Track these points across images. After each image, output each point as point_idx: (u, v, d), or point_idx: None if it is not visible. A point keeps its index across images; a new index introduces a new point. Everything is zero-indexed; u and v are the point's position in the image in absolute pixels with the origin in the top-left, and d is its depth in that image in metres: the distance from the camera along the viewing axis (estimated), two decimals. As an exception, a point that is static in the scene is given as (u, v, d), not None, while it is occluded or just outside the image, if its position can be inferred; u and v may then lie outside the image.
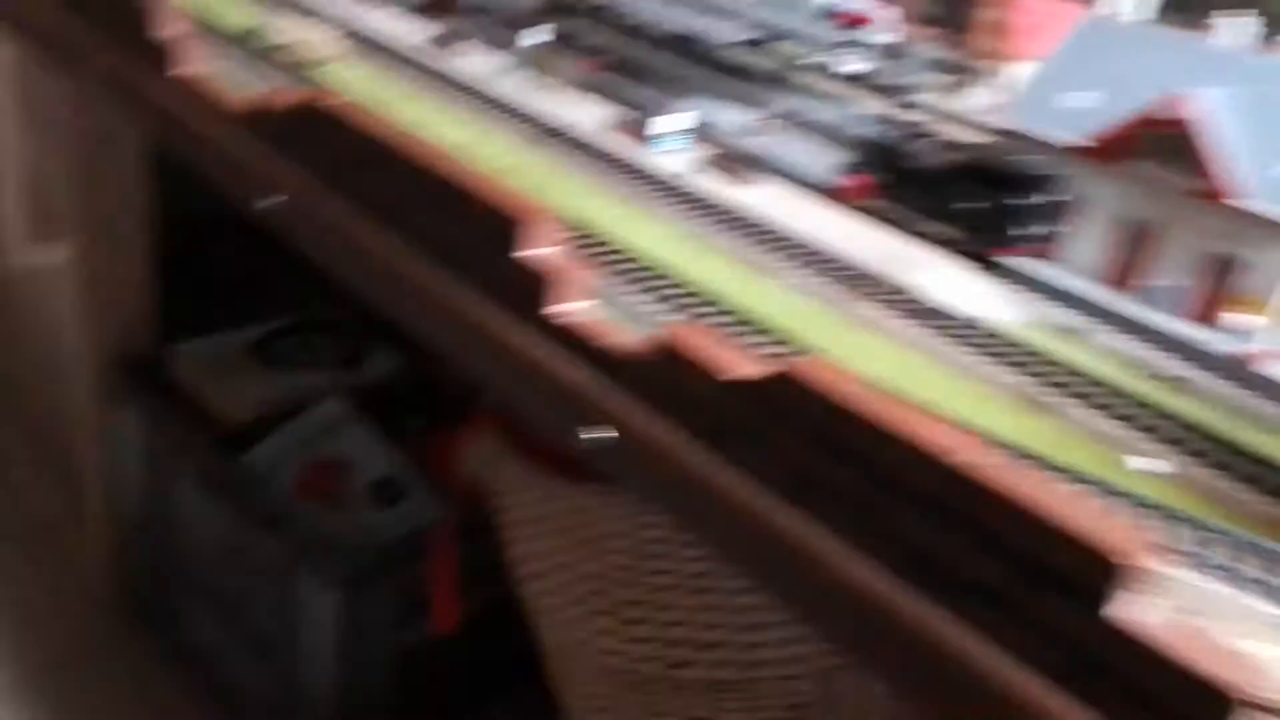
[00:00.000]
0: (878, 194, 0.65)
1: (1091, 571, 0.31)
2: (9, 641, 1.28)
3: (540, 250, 0.44)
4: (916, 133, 0.70)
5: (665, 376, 0.40)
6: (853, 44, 0.87)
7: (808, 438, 0.37)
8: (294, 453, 1.15)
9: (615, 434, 0.42)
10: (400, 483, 1.16)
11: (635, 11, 0.82)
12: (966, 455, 0.33)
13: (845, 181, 0.65)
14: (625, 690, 0.90)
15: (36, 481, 1.50)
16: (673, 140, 0.65)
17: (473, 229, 0.45)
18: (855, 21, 1.08)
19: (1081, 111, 0.65)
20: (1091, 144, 0.62)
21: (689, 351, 0.39)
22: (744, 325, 0.50)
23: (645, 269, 0.53)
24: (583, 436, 0.42)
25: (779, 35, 0.77)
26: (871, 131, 0.69)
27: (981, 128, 0.88)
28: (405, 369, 1.32)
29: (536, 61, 0.71)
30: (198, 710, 1.25)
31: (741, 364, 0.39)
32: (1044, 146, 0.64)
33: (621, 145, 0.65)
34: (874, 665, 0.36)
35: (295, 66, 0.69)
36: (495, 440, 0.92)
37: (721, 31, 0.75)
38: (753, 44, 0.76)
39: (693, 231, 0.59)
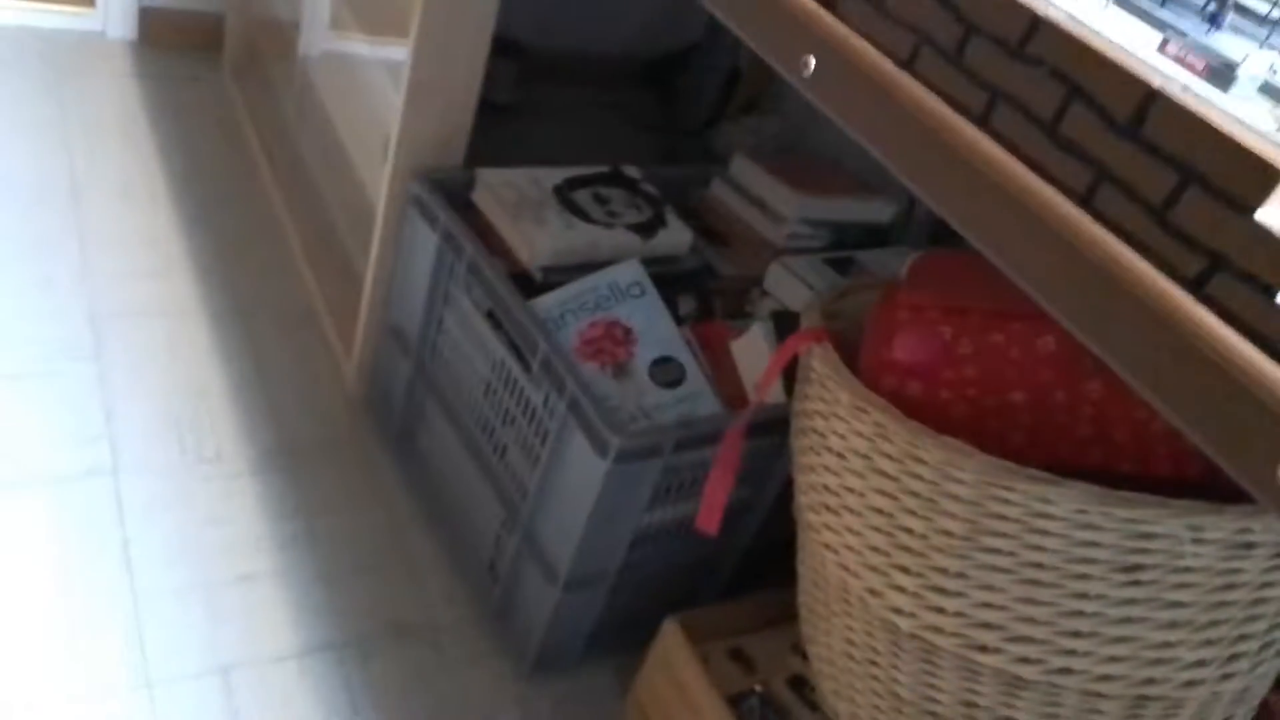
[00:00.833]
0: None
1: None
2: (258, 417, 1.32)
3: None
4: None
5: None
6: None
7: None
8: (583, 308, 1.11)
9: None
10: (681, 365, 1.11)
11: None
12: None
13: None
14: (903, 654, 0.84)
15: (309, 270, 1.53)
16: (1251, 86, 0.52)
17: (1178, 163, 0.35)
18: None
19: None
20: None
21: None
22: None
23: None
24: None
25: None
26: None
27: None
28: (689, 249, 1.26)
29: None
30: (425, 523, 1.27)
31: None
32: None
33: (1183, 75, 0.53)
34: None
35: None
36: (828, 359, 0.84)
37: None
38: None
39: None
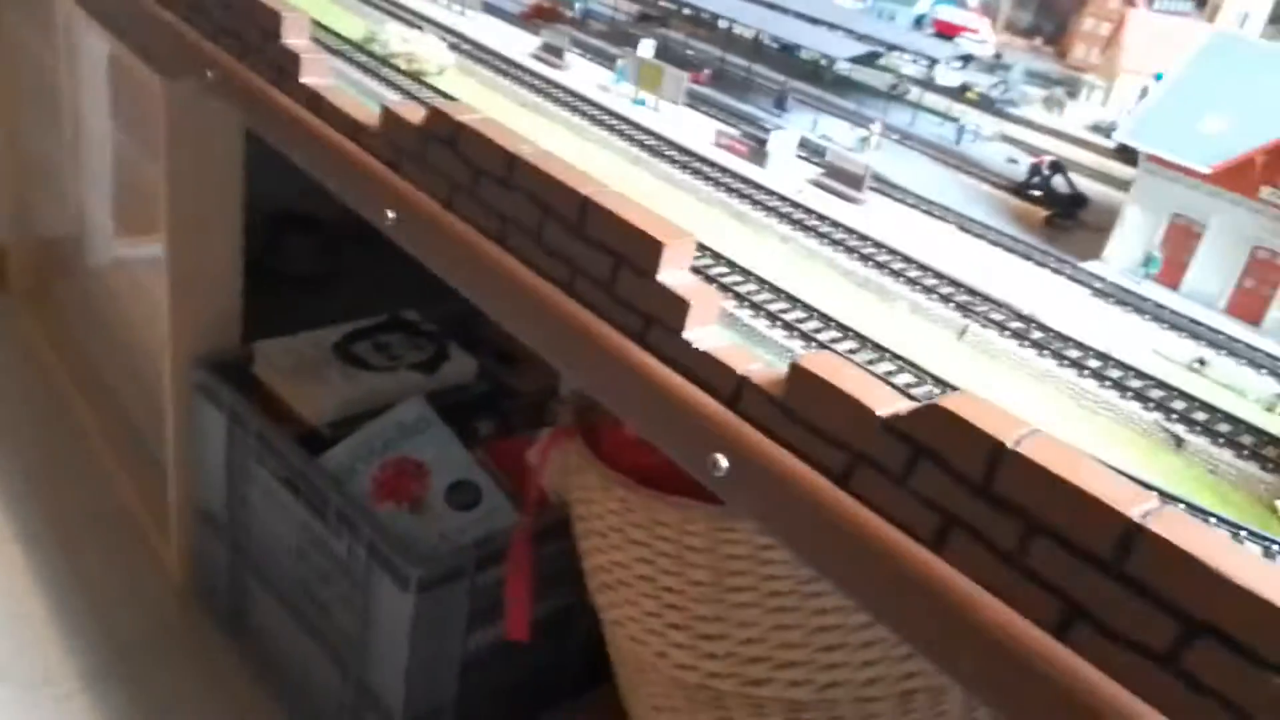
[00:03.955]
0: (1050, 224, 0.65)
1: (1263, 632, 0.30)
2: (86, 630, 1.31)
3: (676, 273, 0.43)
4: (1055, 163, 0.68)
5: (801, 409, 0.39)
6: (954, 57, 0.85)
7: (958, 479, 0.36)
8: (372, 453, 1.16)
9: (734, 462, 0.41)
10: (477, 486, 1.17)
11: (736, 21, 0.81)
12: (1142, 509, 0.32)
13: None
14: (699, 705, 0.89)
15: (119, 470, 1.54)
16: (783, 156, 0.64)
17: (609, 250, 0.44)
18: (952, 30, 1.06)
19: (1209, 135, 0.63)
20: (1219, 169, 0.60)
21: (829, 384, 0.38)
22: (869, 351, 0.48)
23: (763, 290, 0.52)
24: (713, 463, 0.41)
25: (883, 46, 0.75)
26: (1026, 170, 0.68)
27: (1099, 149, 0.86)
28: (479, 374, 1.33)
29: (642, 75, 0.70)
30: (267, 701, 1.26)
31: (886, 398, 0.37)
32: (1170, 169, 0.62)
33: (731, 161, 0.64)
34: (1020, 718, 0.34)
35: (408, 76, 0.70)
36: (576, 449, 0.92)
37: (828, 44, 0.74)
38: (864, 59, 0.74)
39: (808, 250, 0.58)
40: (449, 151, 0.51)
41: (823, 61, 0.81)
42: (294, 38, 0.62)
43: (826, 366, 0.38)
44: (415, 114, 0.54)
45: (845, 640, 0.82)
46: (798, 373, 0.39)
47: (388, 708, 1.08)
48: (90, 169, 1.51)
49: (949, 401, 0.35)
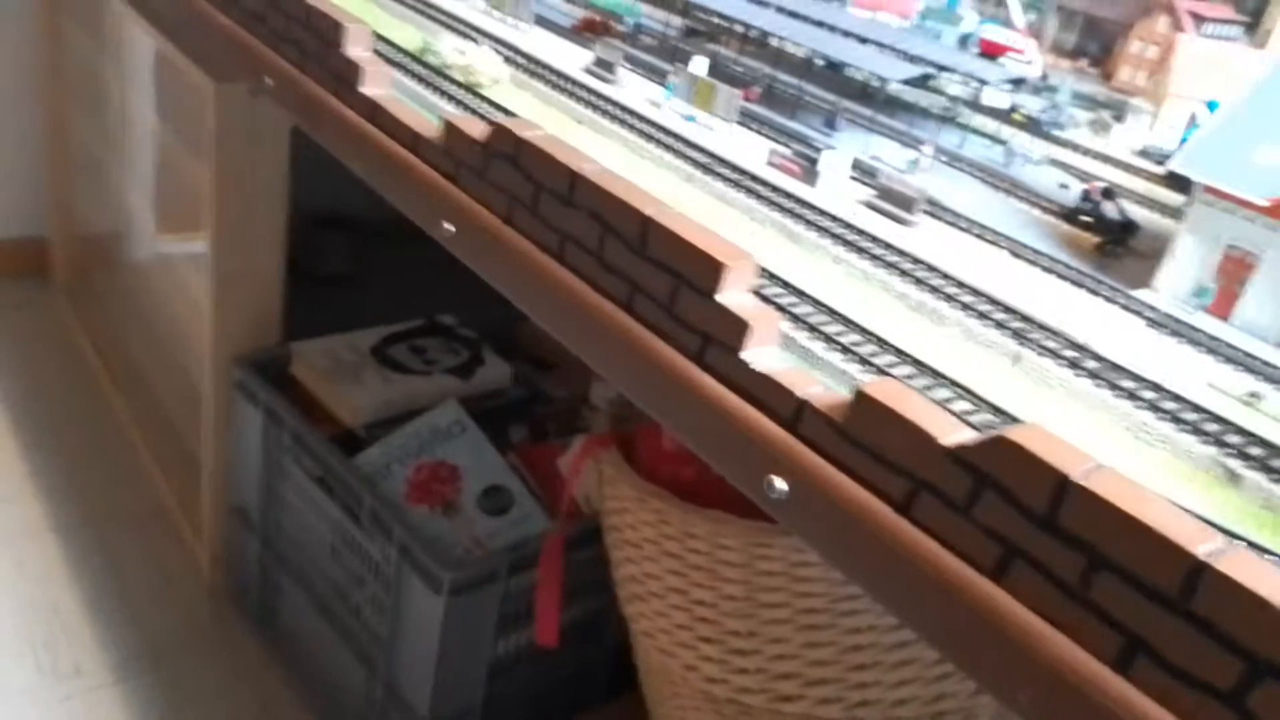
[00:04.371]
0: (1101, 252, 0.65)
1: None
2: (119, 622, 1.32)
3: (737, 294, 0.43)
4: (1107, 189, 0.68)
5: (864, 435, 0.39)
6: (1003, 79, 0.85)
7: (1022, 511, 0.36)
8: (407, 455, 1.17)
9: (792, 485, 0.41)
10: (509, 492, 1.17)
11: (786, 39, 0.82)
12: (1208, 548, 0.32)
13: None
14: (726, 719, 0.90)
15: (155, 465, 1.56)
16: (835, 177, 0.64)
17: (669, 269, 0.45)
18: (997, 50, 1.06)
19: (1266, 167, 0.62)
20: (1277, 202, 0.60)
21: (894, 411, 0.38)
22: (925, 377, 0.48)
23: (819, 312, 0.52)
24: (769, 484, 0.41)
25: (933, 67, 0.75)
26: (1077, 198, 0.68)
27: (1147, 174, 0.86)
28: (514, 380, 1.34)
29: (695, 92, 0.71)
30: (296, 699, 1.28)
31: (951, 427, 0.38)
32: (1225, 199, 0.62)
33: (783, 180, 0.64)
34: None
35: (463, 88, 0.71)
36: (611, 459, 0.92)
37: (878, 64, 0.74)
38: (915, 81, 0.75)
39: (861, 272, 0.58)
40: (511, 167, 0.52)
41: (874, 82, 0.81)
42: (356, 48, 0.63)
43: (891, 393, 0.38)
44: (477, 128, 0.54)
45: (877, 660, 0.82)
46: (862, 398, 0.39)
47: (415, 710, 1.08)
48: (134, 166, 1.54)
49: (1015, 433, 0.36)
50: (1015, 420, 0.45)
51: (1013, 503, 0.35)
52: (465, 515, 1.15)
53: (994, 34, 1.08)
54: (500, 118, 0.57)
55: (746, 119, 0.74)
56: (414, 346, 1.33)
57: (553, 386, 1.41)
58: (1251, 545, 0.43)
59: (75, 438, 1.63)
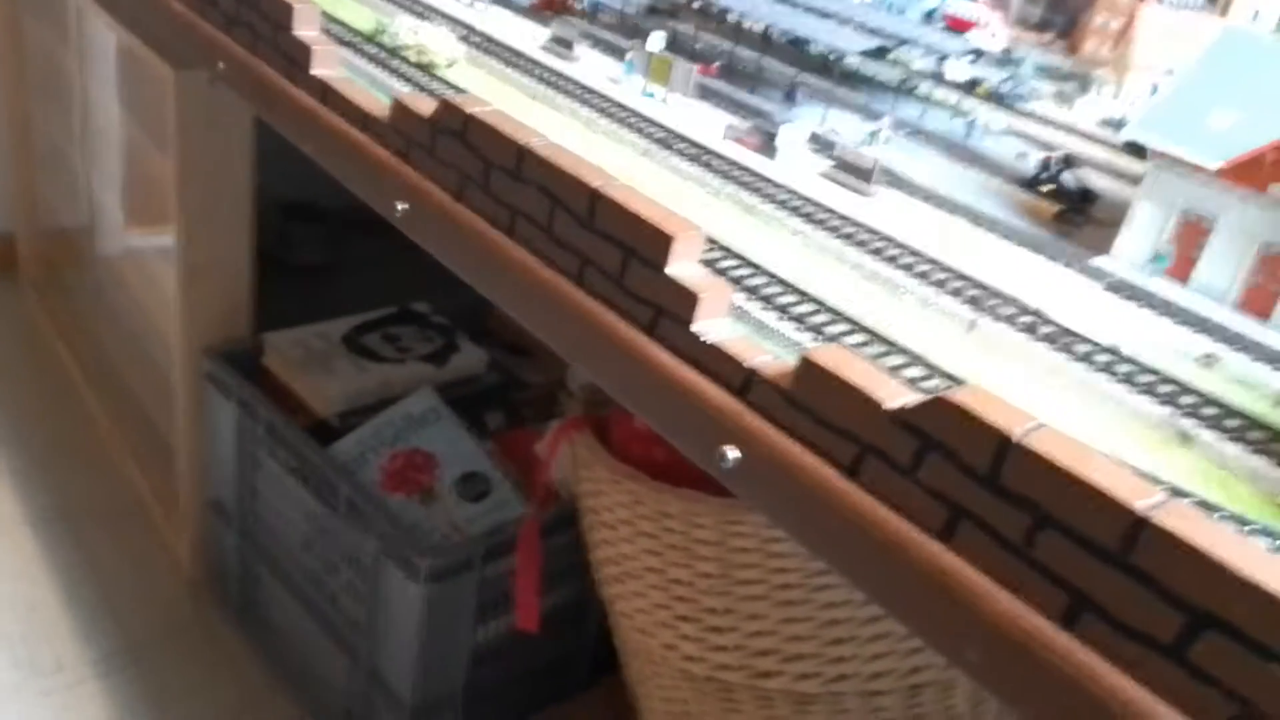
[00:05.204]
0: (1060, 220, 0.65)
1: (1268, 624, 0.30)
2: (98, 618, 1.32)
3: (686, 266, 0.43)
4: (1065, 158, 0.68)
5: (810, 401, 0.39)
6: (964, 51, 0.85)
7: (966, 472, 0.36)
8: (382, 444, 1.17)
9: (743, 454, 0.41)
10: (485, 478, 1.17)
11: (746, 14, 0.81)
12: (1148, 503, 0.32)
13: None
14: (707, 697, 0.90)
15: (129, 459, 1.55)
16: (792, 150, 0.64)
17: (618, 242, 0.45)
18: (963, 25, 1.06)
19: (1219, 131, 0.63)
20: (1229, 166, 0.60)
21: (838, 377, 0.38)
22: (878, 345, 0.48)
23: (773, 283, 0.52)
24: (721, 454, 0.41)
25: (893, 40, 0.75)
26: (1036, 165, 0.68)
27: (1109, 144, 0.86)
28: (489, 366, 1.33)
29: (651, 67, 0.71)
30: (278, 689, 1.27)
31: (895, 391, 0.38)
32: (1179, 165, 0.62)
33: (740, 154, 0.64)
34: (1026, 709, 0.35)
35: (418, 68, 0.70)
36: (585, 442, 0.92)
37: (837, 37, 0.74)
38: (874, 53, 0.74)
39: (817, 244, 0.58)
40: (459, 143, 0.52)
41: (832, 56, 0.81)
42: (305, 29, 0.62)
43: (835, 359, 0.38)
44: (425, 106, 0.54)
45: (853, 634, 0.83)
46: (807, 365, 0.39)
47: (397, 696, 1.08)
48: (100, 159, 1.52)
49: (956, 395, 0.36)
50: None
51: (956, 463, 0.36)
52: (442, 502, 1.15)
53: (959, 8, 1.08)
54: (449, 94, 0.56)
55: (706, 94, 0.73)
56: (387, 334, 1.32)
57: (528, 372, 1.41)
58: (1202, 504, 0.43)
59: (48, 432, 1.61)
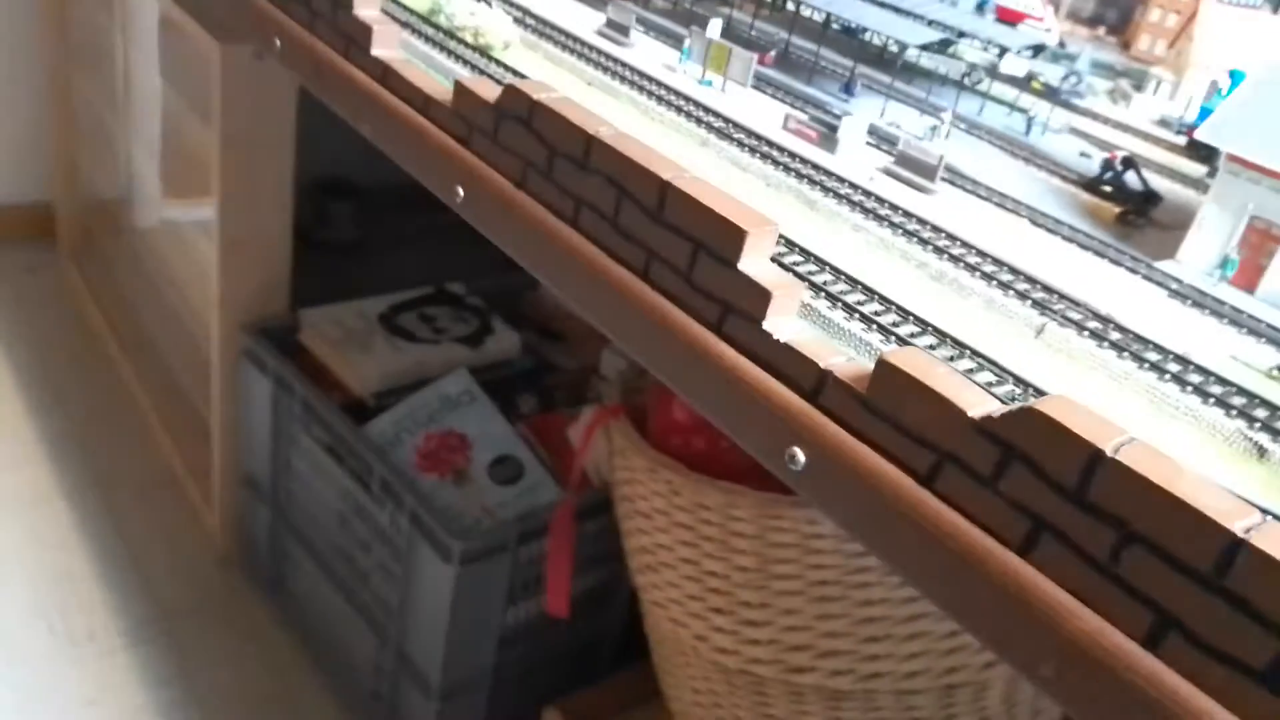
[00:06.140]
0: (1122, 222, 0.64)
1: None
2: (129, 589, 1.33)
3: (758, 262, 0.42)
4: (1128, 159, 0.66)
5: (887, 406, 0.39)
6: (1024, 46, 0.83)
7: (1050, 484, 0.35)
8: (416, 424, 1.17)
9: (813, 457, 0.40)
10: (518, 461, 1.17)
11: (804, 3, 0.80)
12: (1245, 524, 0.31)
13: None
14: (738, 690, 0.90)
15: (164, 432, 1.56)
16: (853, 143, 0.63)
17: (688, 236, 0.44)
18: (1014, 17, 1.04)
19: (1296, 137, 0.61)
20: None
21: (920, 382, 0.37)
22: (948, 347, 0.47)
23: (839, 280, 0.51)
24: (790, 456, 0.41)
25: (953, 32, 0.74)
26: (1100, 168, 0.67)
27: (1167, 144, 0.84)
28: (523, 349, 1.33)
29: (709, 55, 0.69)
30: (306, 665, 1.28)
31: (978, 399, 0.37)
32: (1252, 169, 0.60)
33: (800, 146, 0.63)
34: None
35: (474, 49, 0.69)
36: (622, 430, 0.92)
37: (898, 29, 0.72)
38: (932, 46, 0.73)
39: (880, 241, 0.57)
40: (524, 130, 0.51)
41: (893, 47, 0.79)
42: (366, 9, 0.61)
43: (916, 364, 0.38)
44: (489, 90, 0.53)
45: (889, 632, 0.82)
46: (886, 369, 0.38)
47: (425, 676, 1.09)
48: (140, 130, 1.52)
49: (1045, 405, 0.35)
50: (1041, 392, 0.44)
51: (1041, 476, 0.35)
52: (475, 484, 1.15)
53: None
54: (513, 79, 0.55)
55: (761, 84, 0.72)
56: (423, 315, 1.32)
57: (561, 356, 1.41)
58: None
59: (84, 404, 1.63)
